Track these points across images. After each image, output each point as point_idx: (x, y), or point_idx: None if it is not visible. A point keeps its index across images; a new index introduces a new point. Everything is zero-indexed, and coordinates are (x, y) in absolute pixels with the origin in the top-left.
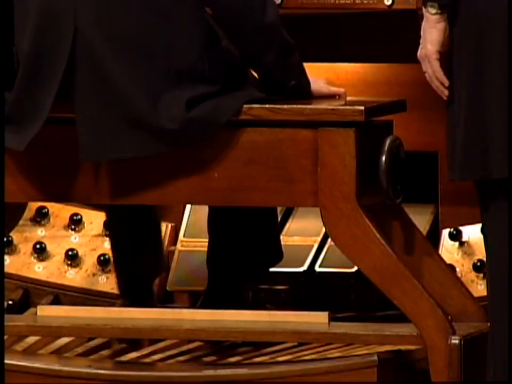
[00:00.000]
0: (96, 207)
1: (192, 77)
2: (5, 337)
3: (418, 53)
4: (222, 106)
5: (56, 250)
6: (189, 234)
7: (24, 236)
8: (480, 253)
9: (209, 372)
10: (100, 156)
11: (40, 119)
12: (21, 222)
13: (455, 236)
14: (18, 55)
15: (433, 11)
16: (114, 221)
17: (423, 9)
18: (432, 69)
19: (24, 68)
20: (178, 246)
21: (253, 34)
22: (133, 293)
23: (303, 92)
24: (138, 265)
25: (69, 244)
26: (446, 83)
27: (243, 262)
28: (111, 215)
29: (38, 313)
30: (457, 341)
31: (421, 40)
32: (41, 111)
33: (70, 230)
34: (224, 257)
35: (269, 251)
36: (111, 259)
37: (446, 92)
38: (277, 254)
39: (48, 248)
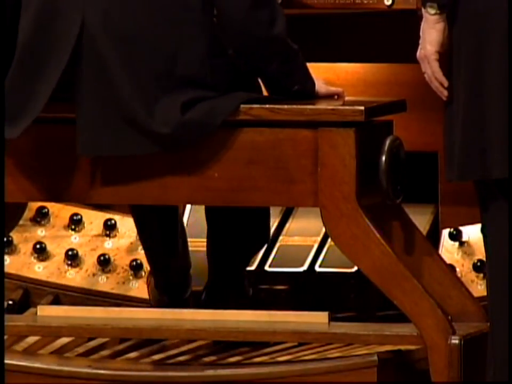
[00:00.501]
0: (96, 207)
1: (192, 83)
2: (5, 337)
3: (418, 53)
4: (217, 107)
5: (56, 250)
6: (189, 234)
7: (24, 236)
8: (480, 253)
9: (209, 372)
10: (96, 150)
11: (37, 108)
12: (21, 222)
13: (455, 236)
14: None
15: (433, 11)
16: (142, 222)
17: (422, 9)
18: (432, 70)
19: (22, 58)
20: None
21: (259, 45)
22: (171, 289)
23: (308, 94)
24: (173, 262)
25: (69, 243)
26: (446, 83)
27: (240, 249)
28: (138, 217)
29: (38, 313)
30: (457, 341)
31: (420, 41)
32: (38, 101)
33: (70, 230)
34: (223, 247)
35: (261, 236)
36: (111, 259)
37: (446, 93)
38: (264, 238)
39: (48, 248)
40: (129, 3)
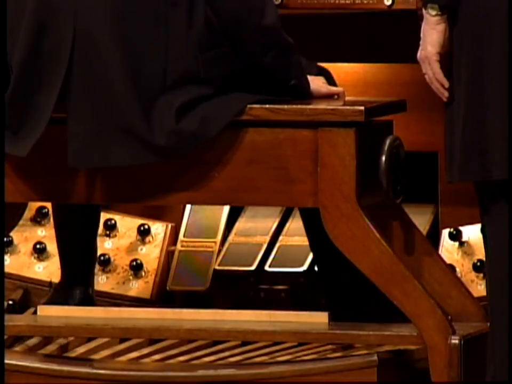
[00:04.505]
0: None
1: (186, 80)
2: (5, 337)
3: (418, 54)
4: (211, 116)
5: (56, 250)
6: (189, 234)
7: (24, 236)
8: (480, 253)
9: (209, 372)
10: (87, 162)
11: (42, 123)
12: (21, 222)
13: (455, 236)
14: (12, 59)
15: (434, 12)
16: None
17: (423, 10)
18: (432, 71)
19: (21, 73)
20: (178, 246)
21: (252, 35)
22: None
23: (303, 91)
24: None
25: None
26: (446, 84)
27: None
28: (59, 215)
29: (38, 313)
30: (457, 341)
31: (421, 42)
32: (42, 115)
33: None
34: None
35: None
36: (111, 259)
37: (446, 93)
38: None
39: (48, 248)
40: (117, 5)
